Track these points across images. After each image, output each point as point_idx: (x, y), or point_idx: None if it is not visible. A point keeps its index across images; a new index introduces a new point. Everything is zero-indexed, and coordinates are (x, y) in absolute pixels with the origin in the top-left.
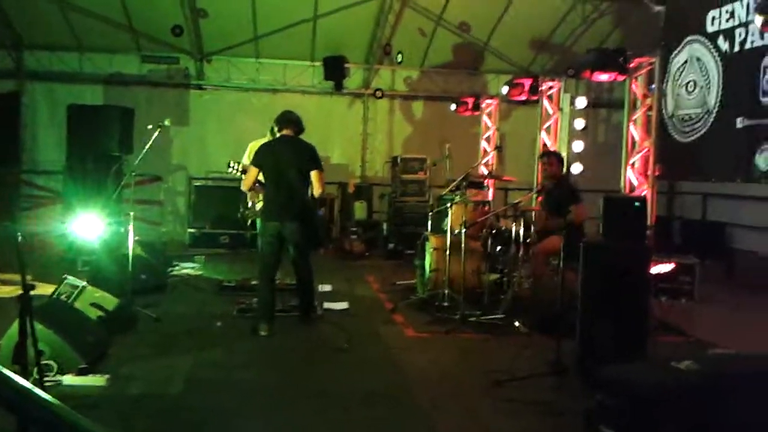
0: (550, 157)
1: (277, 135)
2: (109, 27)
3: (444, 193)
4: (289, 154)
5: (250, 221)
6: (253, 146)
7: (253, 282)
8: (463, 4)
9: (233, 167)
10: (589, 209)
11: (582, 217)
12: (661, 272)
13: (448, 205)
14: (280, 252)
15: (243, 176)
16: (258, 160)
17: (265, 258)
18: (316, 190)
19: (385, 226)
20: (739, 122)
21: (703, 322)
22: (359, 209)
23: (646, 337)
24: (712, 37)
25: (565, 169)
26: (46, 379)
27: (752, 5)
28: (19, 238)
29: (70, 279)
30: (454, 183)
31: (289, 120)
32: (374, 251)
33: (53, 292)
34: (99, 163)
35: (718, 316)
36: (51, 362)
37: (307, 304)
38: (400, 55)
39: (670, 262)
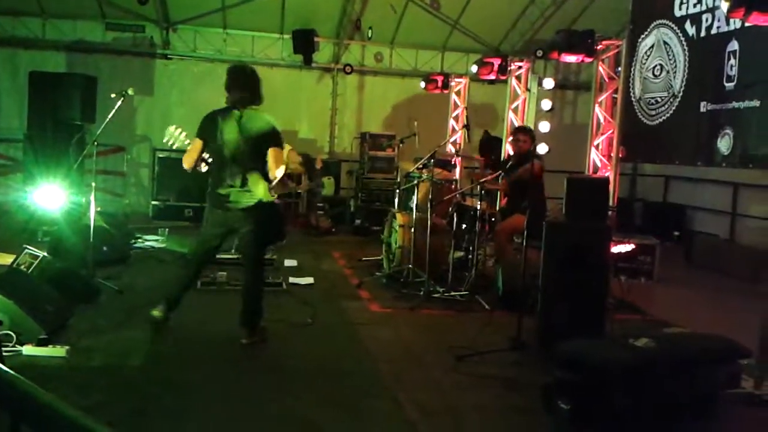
0: (525, 134)
1: (228, 100)
2: None
3: (411, 170)
4: (240, 128)
5: None
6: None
7: (218, 256)
8: None
9: (174, 134)
10: (553, 189)
11: (538, 169)
12: (622, 252)
13: (415, 182)
14: (223, 242)
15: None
16: (203, 131)
17: (203, 242)
18: (272, 171)
19: (352, 202)
20: (703, 107)
21: (661, 302)
22: (326, 185)
23: (605, 314)
24: (680, 22)
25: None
26: (5, 349)
27: None
28: None
29: (30, 249)
30: (422, 161)
31: (237, 80)
32: (341, 227)
33: (13, 262)
34: (60, 132)
35: (676, 296)
36: (10, 332)
37: (247, 317)
38: (370, 31)
39: (630, 243)
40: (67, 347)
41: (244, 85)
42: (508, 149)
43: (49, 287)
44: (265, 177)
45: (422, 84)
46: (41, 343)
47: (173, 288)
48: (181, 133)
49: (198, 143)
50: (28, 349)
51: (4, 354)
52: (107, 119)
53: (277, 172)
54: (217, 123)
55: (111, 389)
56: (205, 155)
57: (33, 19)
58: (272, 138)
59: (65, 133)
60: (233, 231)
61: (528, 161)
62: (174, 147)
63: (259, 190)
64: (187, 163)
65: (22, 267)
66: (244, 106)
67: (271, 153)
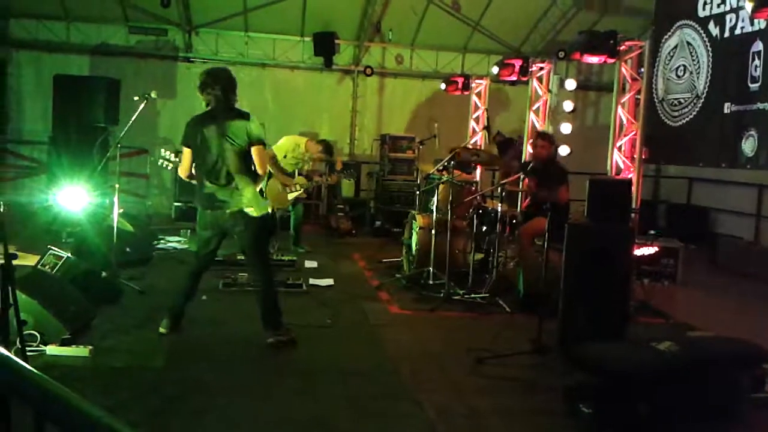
0: (545, 140)
1: (204, 102)
2: None
3: (431, 172)
4: (221, 127)
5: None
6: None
7: (239, 257)
8: None
9: (164, 156)
10: (576, 191)
11: (564, 199)
12: (645, 255)
13: (435, 184)
14: (219, 243)
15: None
16: (186, 138)
17: (198, 245)
18: (258, 167)
19: (372, 204)
20: (727, 108)
21: (684, 305)
22: (347, 187)
23: (627, 317)
24: (703, 23)
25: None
26: (28, 349)
27: None
28: (1, 207)
29: (54, 250)
30: (442, 162)
31: (214, 77)
32: (361, 229)
33: (37, 263)
34: (84, 135)
35: (699, 300)
36: (34, 332)
37: (267, 317)
38: (390, 32)
39: (653, 245)
40: (90, 347)
41: (217, 84)
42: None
43: (73, 288)
44: (254, 176)
45: (442, 86)
46: (65, 343)
47: (175, 300)
48: (168, 153)
49: (187, 152)
50: (51, 349)
51: (28, 353)
52: (130, 122)
53: (260, 169)
54: (198, 127)
55: (133, 389)
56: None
57: (57, 23)
58: (252, 135)
59: (89, 135)
60: (226, 233)
61: (551, 166)
62: (169, 168)
63: (248, 192)
64: (182, 173)
65: (46, 268)
66: (222, 105)
67: (254, 151)
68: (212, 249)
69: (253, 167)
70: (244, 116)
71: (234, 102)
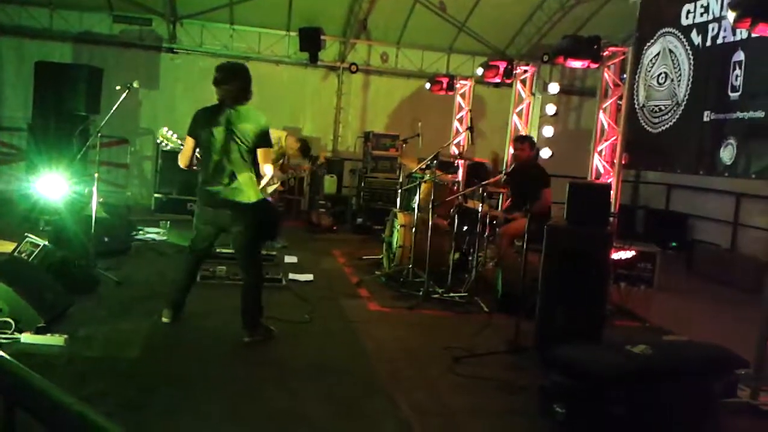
0: (523, 142)
1: (217, 96)
2: None
3: (414, 171)
4: (232, 126)
5: None
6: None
7: (218, 249)
8: None
9: (165, 134)
10: (556, 194)
11: (547, 202)
12: (622, 258)
13: (418, 182)
14: (216, 238)
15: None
16: (193, 129)
17: (196, 239)
18: (263, 168)
19: (354, 200)
20: (707, 116)
21: (660, 310)
22: (329, 183)
23: (603, 320)
24: (686, 31)
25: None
26: (2, 336)
27: (726, 0)
28: None
29: (32, 237)
30: (425, 161)
31: (231, 74)
32: (342, 225)
33: (14, 250)
34: (64, 122)
35: (675, 304)
36: (9, 320)
37: (248, 317)
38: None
39: (630, 249)
40: (65, 336)
41: (233, 81)
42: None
43: (50, 276)
44: (257, 175)
45: (427, 85)
46: (40, 331)
47: (172, 293)
48: (173, 134)
49: (191, 142)
50: (26, 337)
51: (2, 341)
52: (111, 111)
53: (266, 169)
54: (206, 120)
55: (108, 379)
56: (198, 153)
57: (40, 10)
58: (261, 137)
59: (69, 123)
60: (224, 230)
61: (531, 170)
62: (167, 148)
63: (250, 189)
64: (182, 162)
65: (23, 255)
66: (234, 102)
67: (260, 153)
68: (209, 244)
69: (257, 167)
70: (256, 117)
71: (248, 99)
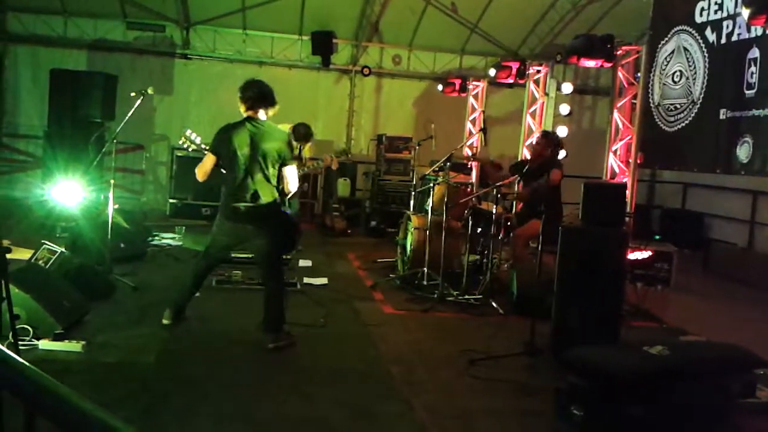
0: (542, 138)
1: (245, 114)
2: None
3: (427, 173)
4: (257, 144)
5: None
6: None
7: (233, 255)
8: None
9: (189, 137)
10: (571, 194)
11: (555, 179)
12: (638, 259)
13: (431, 185)
14: (232, 250)
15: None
16: (216, 146)
17: (212, 246)
18: (287, 185)
19: (367, 203)
20: (722, 114)
21: (678, 310)
22: (342, 186)
23: (620, 321)
24: (700, 28)
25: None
26: (21, 343)
27: None
28: None
29: (48, 245)
30: (438, 163)
31: (264, 97)
32: (356, 229)
33: (31, 257)
34: (80, 129)
35: (693, 304)
36: (27, 326)
37: (270, 322)
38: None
39: (647, 249)
40: (82, 342)
41: (270, 100)
42: (525, 153)
43: (67, 283)
44: (281, 193)
45: (439, 87)
46: (57, 337)
47: (178, 296)
48: (196, 137)
49: (212, 158)
50: (44, 344)
51: (21, 348)
52: (127, 117)
53: (291, 186)
54: (231, 137)
55: (125, 385)
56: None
57: (55, 18)
58: (285, 156)
59: (85, 130)
60: (243, 242)
61: (548, 167)
62: (189, 151)
63: (272, 205)
64: (200, 176)
65: (40, 262)
66: (258, 121)
67: (285, 171)
68: (224, 254)
69: (281, 185)
70: (279, 135)
71: (270, 114)
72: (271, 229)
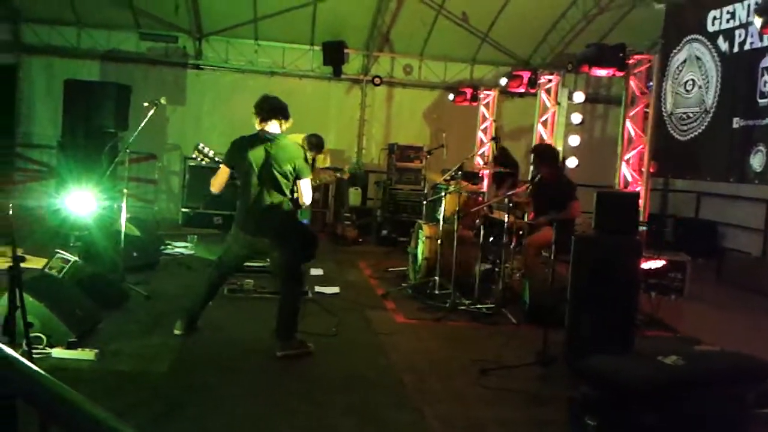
0: (542, 158)
1: (258, 127)
2: (108, 3)
3: (438, 182)
4: (272, 157)
5: None
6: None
7: (246, 263)
8: None
9: (201, 150)
10: (583, 203)
11: (575, 214)
12: (652, 268)
13: (443, 194)
14: (246, 261)
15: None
16: (231, 158)
17: (226, 256)
18: (302, 198)
19: (379, 213)
20: (736, 122)
21: (692, 319)
22: (354, 195)
23: (634, 330)
24: (713, 37)
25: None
26: (35, 351)
27: (753, 7)
28: (10, 210)
29: (62, 254)
30: (449, 172)
31: (278, 109)
32: (367, 238)
33: (44, 266)
34: (93, 139)
35: (706, 314)
36: (40, 335)
37: (282, 331)
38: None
39: (660, 259)
40: (95, 351)
41: (284, 113)
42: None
43: (80, 291)
44: (295, 204)
45: (451, 96)
46: (71, 346)
47: (191, 305)
48: (209, 150)
49: (226, 171)
50: (57, 352)
51: (35, 356)
52: (140, 127)
53: (305, 200)
54: (245, 150)
55: (138, 394)
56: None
57: (69, 29)
58: (301, 169)
59: (98, 140)
60: (260, 254)
61: (565, 191)
62: (203, 164)
63: (288, 218)
64: (214, 188)
65: (54, 271)
66: (273, 135)
67: (300, 184)
68: (238, 264)
69: (293, 195)
70: (294, 151)
71: (285, 128)
72: (288, 240)
